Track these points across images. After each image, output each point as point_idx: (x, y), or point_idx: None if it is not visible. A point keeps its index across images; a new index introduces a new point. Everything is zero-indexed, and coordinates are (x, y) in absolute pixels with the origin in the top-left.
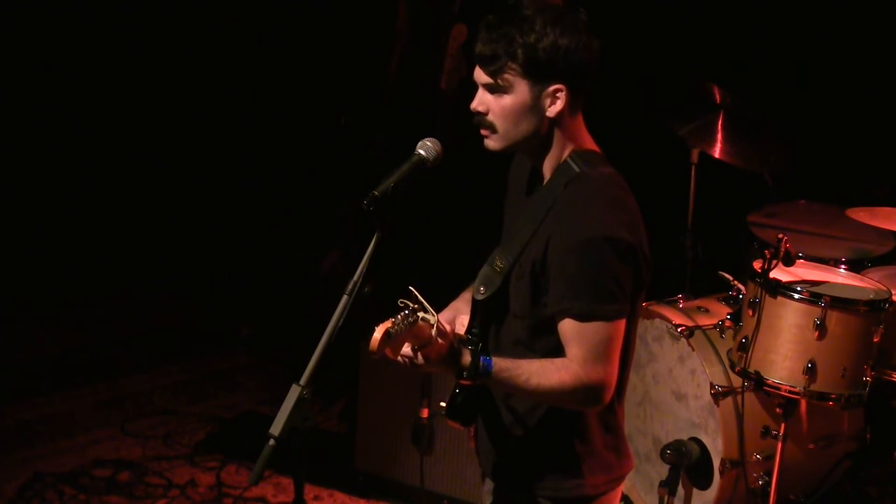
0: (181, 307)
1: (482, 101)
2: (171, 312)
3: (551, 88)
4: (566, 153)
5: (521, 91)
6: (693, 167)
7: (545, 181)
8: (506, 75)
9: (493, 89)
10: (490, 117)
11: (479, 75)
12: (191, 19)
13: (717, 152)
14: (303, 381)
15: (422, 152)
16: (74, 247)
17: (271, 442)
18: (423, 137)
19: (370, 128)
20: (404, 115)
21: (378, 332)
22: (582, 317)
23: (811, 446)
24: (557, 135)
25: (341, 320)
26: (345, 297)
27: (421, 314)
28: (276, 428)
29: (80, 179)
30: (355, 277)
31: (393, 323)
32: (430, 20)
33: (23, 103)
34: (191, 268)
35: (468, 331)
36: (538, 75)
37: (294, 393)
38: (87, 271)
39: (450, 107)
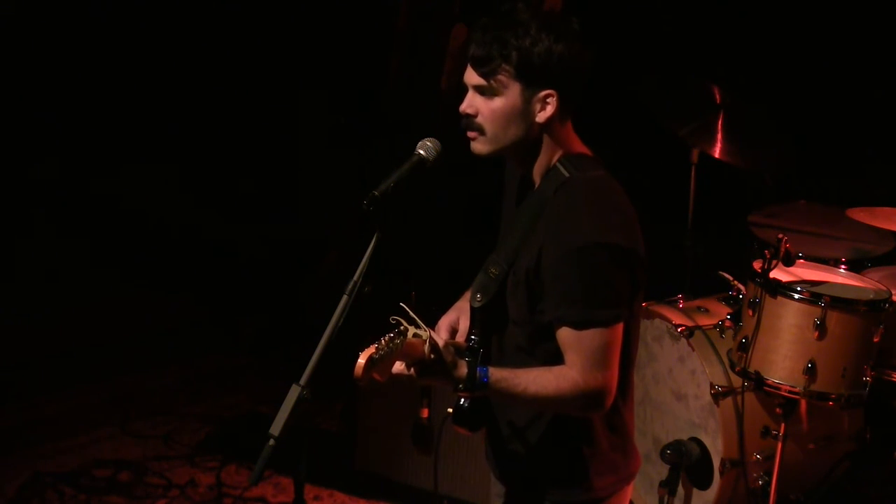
0: (181, 307)
1: (472, 103)
2: (171, 312)
3: (542, 94)
4: (555, 158)
5: (512, 94)
6: (693, 167)
7: (535, 187)
8: (499, 77)
9: (483, 91)
10: (479, 120)
11: (471, 77)
12: (190, 18)
13: (717, 152)
14: (303, 381)
15: (422, 152)
16: (74, 246)
17: (271, 442)
18: (422, 138)
19: (370, 128)
20: (404, 115)
21: (362, 359)
22: (578, 324)
23: (811, 446)
24: (546, 141)
25: (341, 320)
26: (345, 297)
27: (413, 330)
28: (276, 428)
29: (80, 179)
30: (355, 277)
31: (376, 348)
32: (431, 21)
33: (21, 95)
34: (191, 267)
35: (468, 338)
36: (531, 79)
37: (294, 393)
38: (86, 271)
39: (450, 107)
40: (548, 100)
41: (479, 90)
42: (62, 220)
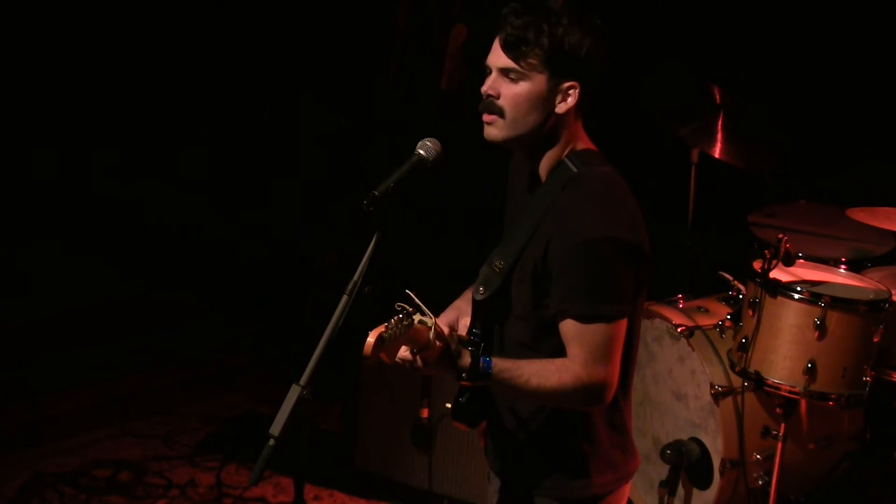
0: (181, 307)
1: (494, 85)
2: (171, 312)
3: (566, 85)
4: (564, 153)
5: (538, 81)
6: (693, 167)
7: (543, 181)
8: (529, 60)
9: (509, 74)
10: (500, 102)
11: (498, 59)
12: (190, 17)
13: (717, 152)
14: (303, 381)
15: (421, 152)
16: (74, 246)
17: (271, 442)
18: (422, 138)
19: (370, 128)
20: (405, 115)
21: (371, 337)
22: (583, 318)
23: (811, 446)
24: (559, 133)
25: (341, 320)
26: (345, 297)
27: (418, 317)
28: (276, 428)
29: (80, 179)
30: (355, 277)
31: (386, 328)
32: (430, 20)
33: (22, 94)
34: (191, 267)
35: (469, 331)
36: (558, 68)
37: (294, 393)
38: (86, 271)
39: (450, 107)
40: (570, 91)
41: (505, 73)
42: (62, 220)
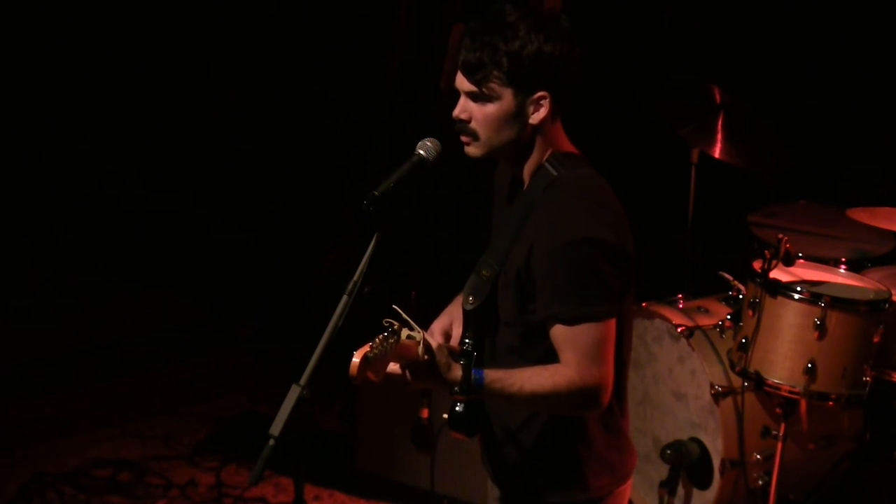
0: (181, 307)
1: (465, 108)
2: (171, 312)
3: (535, 96)
4: (544, 157)
5: (505, 99)
6: (693, 167)
7: (524, 187)
8: (491, 84)
9: (476, 97)
10: (473, 125)
11: (462, 83)
12: (191, 17)
13: (717, 152)
14: (303, 381)
15: (422, 152)
16: (74, 246)
17: (271, 442)
18: (422, 137)
19: (370, 128)
20: (404, 115)
21: (356, 357)
22: (571, 320)
23: (811, 446)
24: (538, 140)
25: (341, 320)
26: (345, 297)
27: (406, 332)
28: (276, 428)
29: (80, 179)
30: (355, 277)
31: (371, 347)
32: (430, 20)
33: (23, 94)
34: (191, 267)
35: (461, 341)
36: (523, 83)
37: (294, 393)
38: (86, 271)
39: (450, 107)
40: (541, 101)
41: (472, 96)
42: (62, 220)
